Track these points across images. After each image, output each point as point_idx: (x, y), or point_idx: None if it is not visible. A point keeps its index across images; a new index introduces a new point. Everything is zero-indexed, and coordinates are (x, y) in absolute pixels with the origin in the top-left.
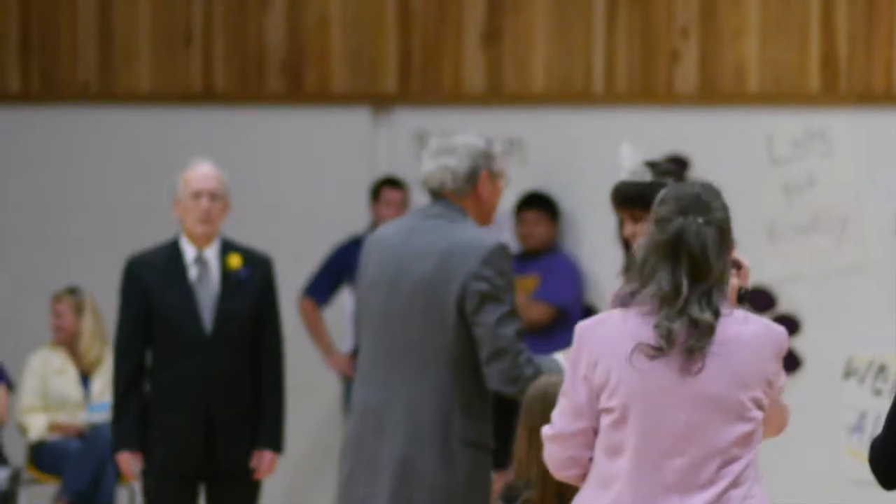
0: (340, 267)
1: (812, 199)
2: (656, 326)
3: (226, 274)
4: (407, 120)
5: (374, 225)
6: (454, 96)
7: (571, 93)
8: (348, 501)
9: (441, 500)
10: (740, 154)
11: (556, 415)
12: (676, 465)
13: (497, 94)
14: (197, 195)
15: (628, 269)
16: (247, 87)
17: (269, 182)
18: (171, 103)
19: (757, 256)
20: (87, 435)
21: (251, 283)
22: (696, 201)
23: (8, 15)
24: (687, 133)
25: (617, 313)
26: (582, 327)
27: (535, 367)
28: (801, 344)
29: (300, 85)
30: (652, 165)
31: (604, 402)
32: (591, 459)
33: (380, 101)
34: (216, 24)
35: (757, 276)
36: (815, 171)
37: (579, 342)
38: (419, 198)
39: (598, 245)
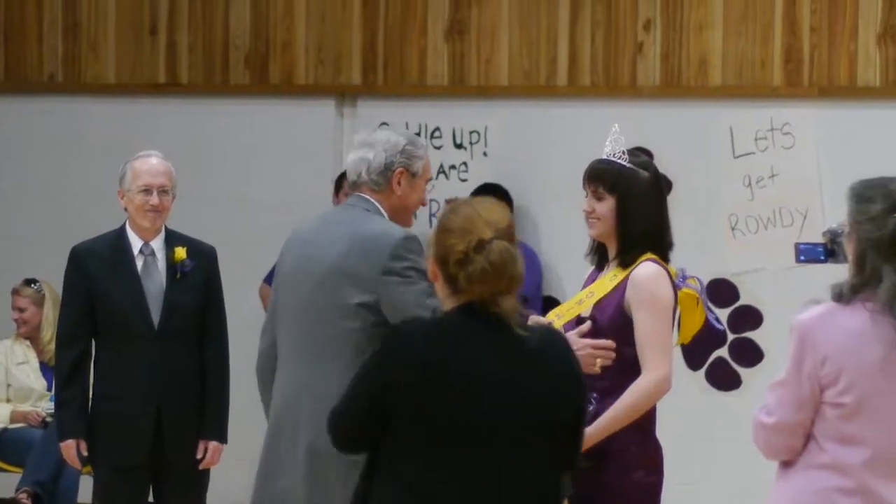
0: None
1: (774, 191)
2: None
3: (172, 266)
4: (371, 111)
5: None
6: (418, 88)
7: (535, 85)
8: (265, 495)
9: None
10: (703, 147)
11: (774, 404)
12: None
13: (461, 87)
14: (147, 190)
15: (593, 252)
16: (212, 79)
17: (233, 173)
18: (137, 94)
19: (719, 249)
20: (49, 425)
21: (196, 274)
22: None
23: None
24: (650, 126)
25: (835, 309)
26: (804, 326)
27: None
28: (762, 336)
29: (265, 76)
30: (632, 154)
31: (833, 398)
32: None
33: (344, 93)
34: (181, 15)
35: (719, 268)
36: (777, 164)
37: (803, 340)
38: None
39: (558, 236)
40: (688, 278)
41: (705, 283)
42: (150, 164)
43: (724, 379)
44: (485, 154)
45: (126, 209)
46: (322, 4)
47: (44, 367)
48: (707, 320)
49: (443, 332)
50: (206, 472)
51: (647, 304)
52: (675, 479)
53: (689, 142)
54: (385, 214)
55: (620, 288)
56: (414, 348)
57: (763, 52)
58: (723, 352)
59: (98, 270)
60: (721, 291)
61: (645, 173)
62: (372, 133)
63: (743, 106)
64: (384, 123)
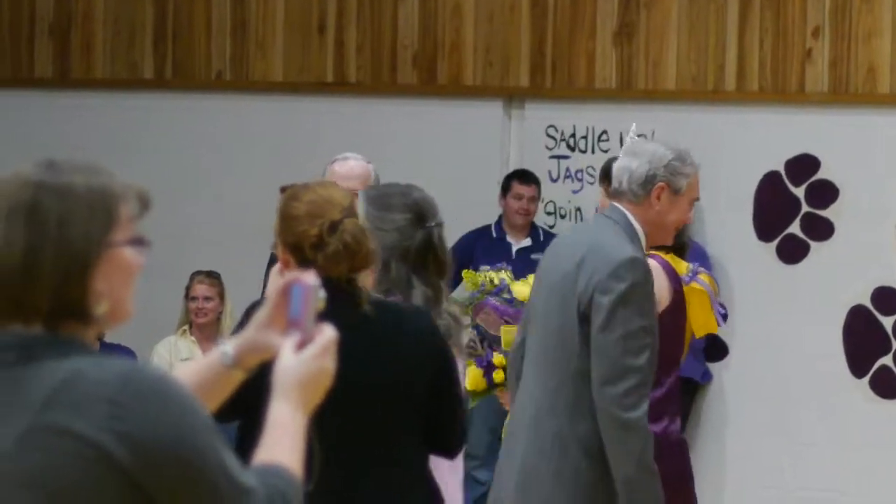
0: (464, 256)
1: None
2: None
3: None
4: (539, 114)
5: (502, 218)
6: (586, 91)
7: (703, 90)
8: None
9: None
10: (870, 155)
11: None
12: None
13: (629, 90)
14: None
15: None
16: (380, 78)
17: (399, 173)
18: (304, 92)
19: (886, 257)
20: None
21: None
22: None
23: (143, 6)
24: (818, 133)
25: None
26: None
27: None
28: None
29: (433, 77)
30: None
31: None
32: None
33: (512, 95)
34: (350, 14)
35: (885, 276)
36: None
37: None
38: (549, 192)
39: (727, 240)
40: (699, 273)
41: (870, 290)
42: (349, 167)
43: (888, 387)
44: None
45: None
46: (490, 5)
47: None
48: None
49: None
50: None
51: None
52: (836, 488)
53: (856, 149)
54: (638, 228)
55: None
56: None
57: None
58: (888, 360)
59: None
60: (887, 299)
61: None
62: (641, 142)
63: None
64: (551, 126)
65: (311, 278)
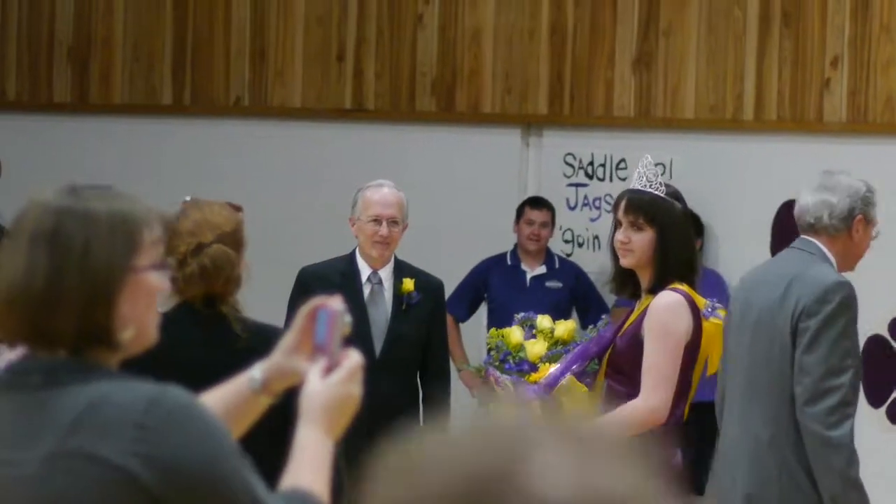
0: (480, 284)
1: None
2: None
3: (398, 296)
4: (557, 141)
5: (518, 244)
6: (604, 119)
7: (721, 119)
8: None
9: None
10: (889, 184)
11: None
12: None
13: (647, 118)
14: (377, 220)
15: (616, 278)
16: (398, 105)
17: (418, 200)
18: (323, 119)
19: None
20: None
21: (422, 306)
22: None
23: (163, 32)
24: (836, 162)
25: None
26: None
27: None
28: None
29: (451, 104)
30: (665, 185)
31: None
32: None
33: (530, 122)
34: (369, 42)
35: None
36: None
37: None
38: (567, 220)
39: (744, 269)
40: (717, 309)
41: (888, 320)
42: (382, 195)
43: None
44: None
45: (357, 237)
46: (510, 33)
47: None
48: None
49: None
50: None
51: (656, 334)
52: None
53: (875, 179)
54: (832, 259)
55: (642, 314)
56: None
57: None
58: None
59: (324, 294)
60: None
61: (678, 204)
62: (832, 176)
63: None
64: (569, 154)
65: (336, 304)
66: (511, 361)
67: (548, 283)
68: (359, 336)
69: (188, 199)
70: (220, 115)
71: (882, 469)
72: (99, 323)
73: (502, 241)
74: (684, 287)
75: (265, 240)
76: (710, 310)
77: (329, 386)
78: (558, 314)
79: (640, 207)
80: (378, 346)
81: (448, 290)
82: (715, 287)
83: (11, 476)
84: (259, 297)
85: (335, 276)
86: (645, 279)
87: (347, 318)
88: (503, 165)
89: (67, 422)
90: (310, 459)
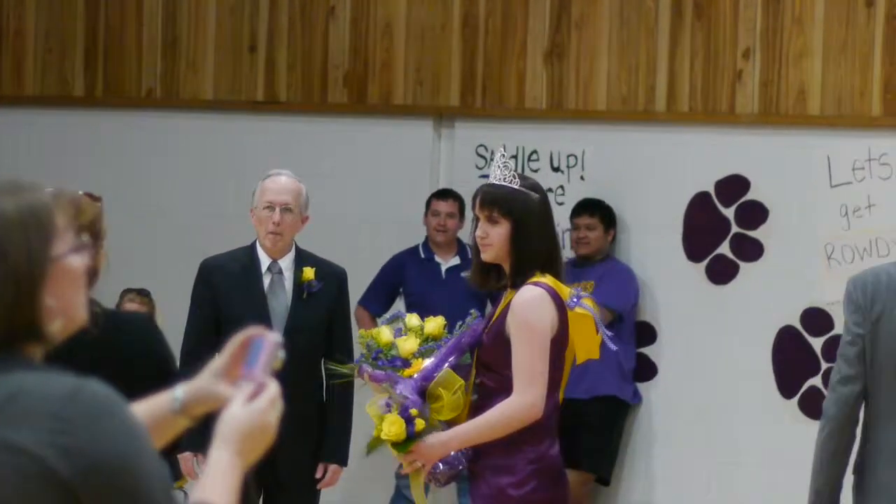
0: (395, 278)
1: (871, 222)
2: None
3: (298, 285)
4: (469, 133)
5: (428, 236)
6: (516, 111)
7: (633, 111)
8: None
9: None
10: (800, 176)
11: None
12: None
13: (559, 110)
14: (270, 206)
15: (476, 272)
16: (310, 97)
17: (330, 191)
18: (235, 110)
19: (815, 278)
20: None
21: (323, 295)
22: None
23: (74, 23)
24: (748, 154)
25: None
26: None
27: None
28: None
29: (363, 96)
30: (521, 176)
31: None
32: None
33: (442, 114)
34: (281, 33)
35: (814, 297)
36: (874, 195)
37: None
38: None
39: (653, 261)
40: (582, 298)
41: (800, 311)
42: (277, 182)
43: (817, 407)
44: (582, 178)
45: (256, 228)
46: (421, 25)
47: None
48: (602, 341)
49: None
50: (318, 492)
51: (520, 330)
52: None
53: (787, 170)
54: None
55: (506, 311)
56: None
57: (862, 82)
58: (816, 380)
59: (225, 286)
60: (815, 320)
61: (535, 195)
62: None
63: (841, 135)
64: (481, 145)
65: (274, 336)
66: (383, 358)
67: (463, 273)
68: (258, 325)
69: (49, 189)
70: (133, 106)
71: (794, 459)
72: (26, 321)
73: (416, 232)
74: (547, 279)
75: (176, 231)
76: (574, 299)
77: (250, 412)
78: (477, 304)
79: (495, 202)
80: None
81: (364, 282)
82: (625, 280)
83: None
84: (170, 289)
85: (235, 267)
86: (506, 272)
87: (281, 353)
88: (415, 157)
89: None
90: (221, 479)
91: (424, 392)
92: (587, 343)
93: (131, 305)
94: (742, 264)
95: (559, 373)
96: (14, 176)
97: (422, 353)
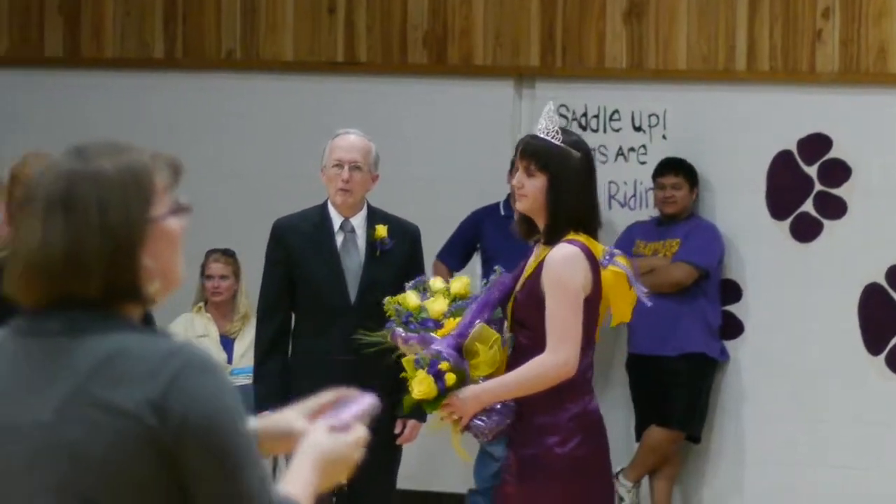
0: (472, 234)
1: None
2: None
3: (371, 243)
4: (549, 93)
5: (510, 195)
6: (597, 70)
7: (714, 70)
8: None
9: None
10: (882, 134)
11: None
12: None
13: (639, 70)
14: (339, 164)
15: (520, 221)
16: (390, 58)
17: (410, 152)
18: (314, 72)
19: (893, 236)
20: None
21: (396, 252)
22: None
23: None
24: (828, 112)
25: None
26: None
27: None
28: None
29: (443, 57)
30: (565, 133)
31: None
32: None
33: (522, 75)
34: None
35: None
36: None
37: None
38: None
39: (736, 220)
40: (615, 256)
41: (885, 268)
42: (346, 140)
43: None
44: (664, 137)
45: (327, 186)
46: None
47: (225, 339)
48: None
49: None
50: (399, 449)
51: (554, 288)
52: (851, 464)
53: (868, 128)
54: None
55: (539, 268)
56: None
57: None
58: None
59: (298, 245)
60: None
61: (577, 153)
62: None
63: None
64: (563, 105)
65: (371, 398)
66: (414, 322)
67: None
68: (333, 284)
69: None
70: (212, 68)
71: (881, 416)
72: (125, 280)
73: (496, 192)
74: (582, 238)
75: (256, 193)
76: (608, 258)
77: (335, 440)
78: None
79: (534, 154)
80: (353, 293)
81: (442, 242)
82: (710, 237)
83: (26, 420)
84: (250, 250)
85: (307, 227)
86: (541, 227)
87: (375, 412)
88: (496, 118)
89: (85, 370)
90: (301, 483)
91: (461, 349)
92: (622, 302)
93: (216, 266)
94: (826, 222)
95: (593, 331)
96: (107, 140)
97: (452, 313)
